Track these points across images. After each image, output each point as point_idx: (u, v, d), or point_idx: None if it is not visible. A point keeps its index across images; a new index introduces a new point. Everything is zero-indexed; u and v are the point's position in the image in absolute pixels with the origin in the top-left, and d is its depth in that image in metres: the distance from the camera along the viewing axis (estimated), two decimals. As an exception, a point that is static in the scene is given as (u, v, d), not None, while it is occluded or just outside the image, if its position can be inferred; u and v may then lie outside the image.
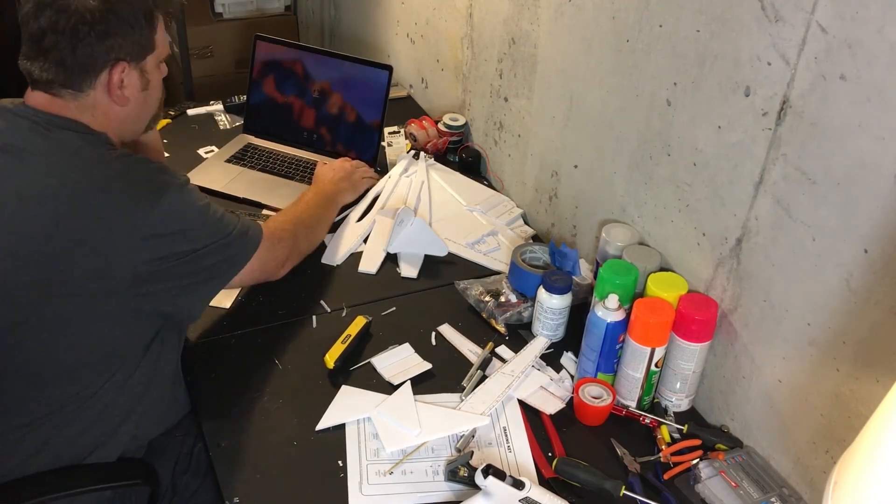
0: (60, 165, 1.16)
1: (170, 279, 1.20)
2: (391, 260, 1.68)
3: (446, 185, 1.92)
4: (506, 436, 1.29)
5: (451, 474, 1.19)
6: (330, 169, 1.78)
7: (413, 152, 1.99)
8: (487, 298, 1.53)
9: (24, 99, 1.22)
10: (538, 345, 1.46)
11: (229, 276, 1.31)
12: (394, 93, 2.24)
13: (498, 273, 1.64)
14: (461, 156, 2.02)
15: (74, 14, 1.16)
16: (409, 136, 2.06)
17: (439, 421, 1.30)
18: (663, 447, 1.28)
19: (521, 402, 1.36)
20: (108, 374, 1.21)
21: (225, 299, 1.53)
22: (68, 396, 1.19)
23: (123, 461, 1.26)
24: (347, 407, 1.32)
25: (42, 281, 1.14)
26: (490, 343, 1.47)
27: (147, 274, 1.17)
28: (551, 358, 1.46)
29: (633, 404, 1.36)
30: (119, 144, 1.27)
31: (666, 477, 1.23)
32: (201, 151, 2.02)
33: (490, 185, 1.97)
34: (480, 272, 1.66)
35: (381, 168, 1.98)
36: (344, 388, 1.35)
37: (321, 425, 1.28)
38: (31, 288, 1.14)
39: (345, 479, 1.20)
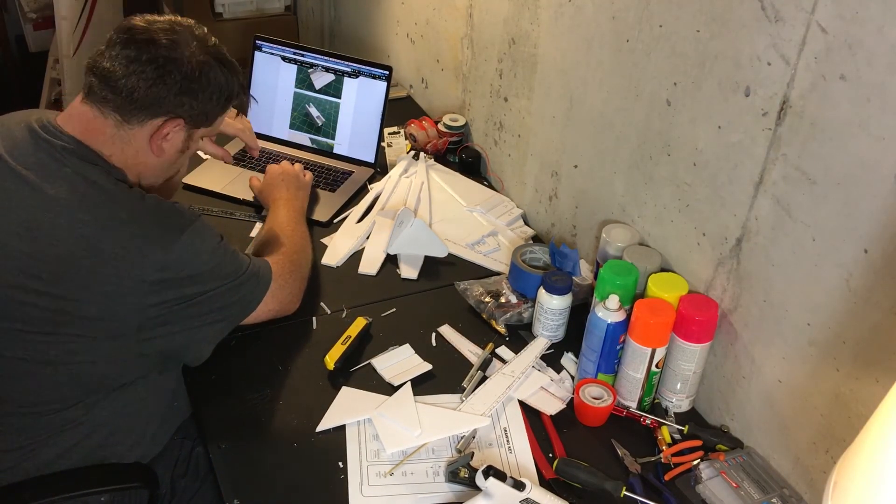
0: (72, 203, 1.13)
1: (177, 322, 1.18)
2: (391, 261, 1.68)
3: (446, 185, 1.92)
4: (506, 437, 1.29)
5: (452, 475, 1.19)
6: (280, 181, 1.69)
7: (413, 153, 1.99)
8: (488, 299, 1.53)
9: (58, 116, 1.21)
10: (538, 345, 1.46)
11: (240, 318, 1.30)
12: (394, 93, 2.24)
13: (498, 274, 1.64)
14: (461, 156, 2.02)
15: (178, 58, 1.18)
16: (408, 136, 2.06)
17: (440, 422, 1.30)
18: (664, 448, 1.28)
19: (521, 403, 1.35)
20: (108, 400, 1.21)
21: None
22: (66, 420, 1.19)
23: (122, 464, 1.26)
24: (348, 408, 1.32)
25: (48, 319, 1.12)
26: (490, 344, 1.47)
27: (154, 318, 1.15)
28: (552, 358, 1.46)
29: (633, 405, 1.36)
30: (134, 183, 1.26)
31: (666, 478, 1.23)
32: (201, 152, 2.02)
33: (490, 186, 1.97)
34: (480, 273, 1.66)
35: (381, 169, 1.98)
36: (344, 389, 1.35)
37: (322, 426, 1.28)
38: (37, 323, 1.13)
39: (345, 480, 1.20)
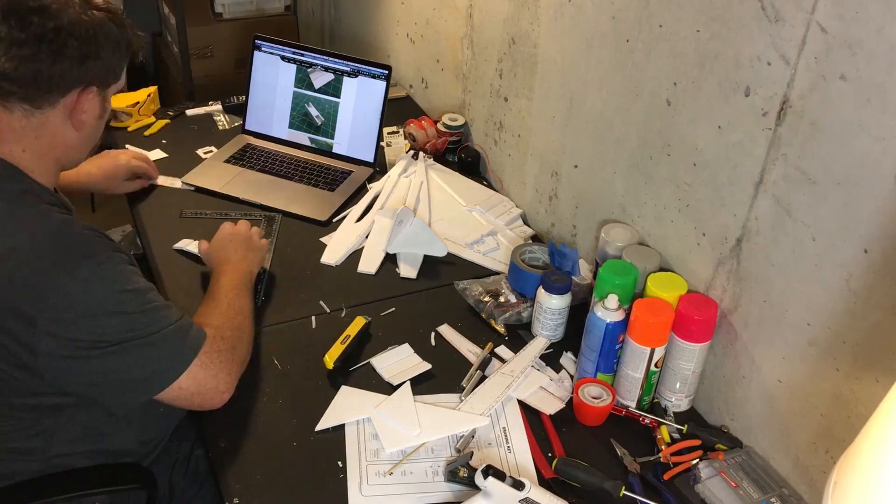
0: None
1: (82, 371, 1.09)
2: (390, 260, 1.68)
3: (445, 185, 1.92)
4: (505, 436, 1.29)
5: (451, 475, 1.19)
6: (228, 242, 1.48)
7: (412, 152, 1.99)
8: (487, 299, 1.53)
9: None
10: (538, 345, 1.46)
11: (147, 390, 1.14)
12: (393, 93, 2.24)
13: (497, 273, 1.64)
14: (461, 156, 2.02)
15: (67, 26, 1.08)
16: (408, 136, 2.06)
17: (439, 421, 1.30)
18: (663, 447, 1.28)
19: (520, 403, 1.35)
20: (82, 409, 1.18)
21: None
22: (58, 425, 1.18)
23: (121, 465, 1.25)
24: (347, 407, 1.32)
25: None
26: (489, 343, 1.47)
27: (48, 359, 1.07)
28: (551, 358, 1.46)
29: (632, 404, 1.36)
30: (54, 176, 1.20)
31: (666, 477, 1.23)
32: (200, 152, 2.02)
33: (490, 186, 1.97)
34: (480, 272, 1.66)
35: (381, 168, 1.98)
36: (343, 388, 1.35)
37: (321, 426, 1.28)
38: None
39: (344, 479, 1.20)
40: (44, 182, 1.17)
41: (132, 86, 1.97)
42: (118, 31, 1.16)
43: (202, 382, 1.17)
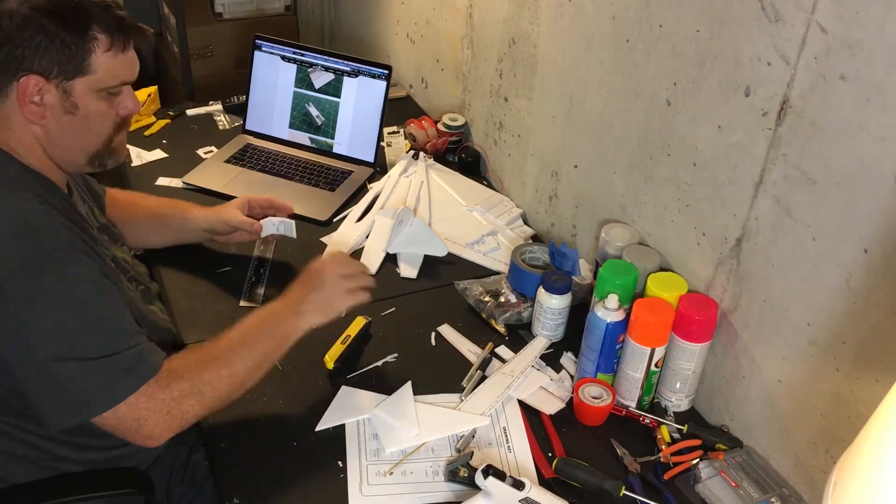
0: None
1: (20, 371, 1.07)
2: (391, 260, 1.68)
3: (446, 185, 1.92)
4: (506, 436, 1.29)
5: (452, 475, 1.19)
6: (305, 280, 1.28)
7: (412, 152, 1.99)
8: (487, 298, 1.53)
9: None
10: (538, 345, 1.46)
11: (75, 413, 1.08)
12: (393, 93, 2.24)
13: (497, 273, 1.64)
14: (461, 156, 2.02)
15: (4, 15, 1.08)
16: (408, 136, 2.06)
17: (439, 421, 1.30)
18: (663, 447, 1.28)
19: (520, 403, 1.35)
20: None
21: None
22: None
23: (118, 469, 1.25)
24: (347, 407, 1.32)
25: None
26: (490, 343, 1.47)
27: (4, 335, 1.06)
28: (551, 358, 1.46)
29: (632, 404, 1.36)
30: (54, 175, 1.19)
31: (666, 477, 1.23)
32: (200, 152, 2.02)
33: (490, 185, 1.97)
34: (480, 272, 1.66)
35: (381, 168, 1.98)
36: (343, 388, 1.35)
37: (321, 426, 1.28)
38: None
39: (345, 479, 1.20)
40: (41, 169, 1.17)
41: (133, 86, 1.96)
42: (59, 17, 1.09)
43: (124, 422, 1.09)
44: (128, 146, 1.99)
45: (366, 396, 1.34)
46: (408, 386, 1.36)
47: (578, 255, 1.56)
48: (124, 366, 1.08)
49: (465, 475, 1.18)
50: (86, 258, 1.11)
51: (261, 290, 1.56)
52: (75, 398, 1.07)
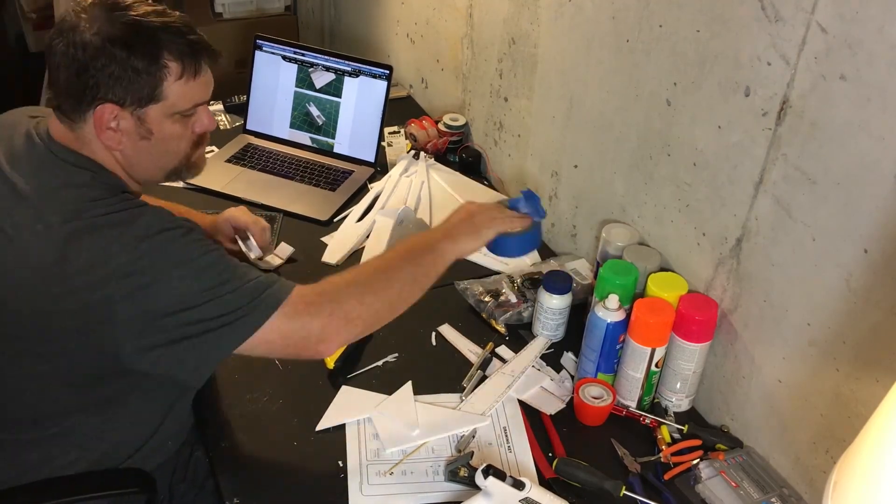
0: (50, 206, 1.09)
1: (149, 335, 1.08)
2: (391, 260, 1.68)
3: (446, 185, 1.92)
4: (506, 436, 1.29)
5: (452, 475, 1.19)
6: (457, 210, 1.35)
7: (413, 152, 1.99)
8: (487, 298, 1.53)
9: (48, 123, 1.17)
10: (538, 345, 1.46)
11: (230, 342, 1.11)
12: (394, 93, 2.24)
13: (498, 273, 1.64)
14: (461, 156, 2.02)
15: (79, 45, 1.10)
16: (409, 136, 2.06)
17: (439, 421, 1.30)
18: (663, 447, 1.28)
19: (521, 403, 1.36)
20: (102, 414, 1.19)
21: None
22: (68, 426, 1.19)
23: (120, 469, 1.25)
24: (347, 407, 1.32)
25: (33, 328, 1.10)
26: (490, 343, 1.47)
27: (123, 325, 1.06)
28: (551, 358, 1.46)
29: (633, 404, 1.36)
30: (133, 187, 1.22)
31: (666, 477, 1.23)
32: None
33: (490, 185, 1.97)
34: (480, 272, 1.66)
35: (382, 168, 1.98)
36: (344, 388, 1.35)
37: (321, 426, 1.28)
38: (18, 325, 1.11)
39: (345, 479, 1.20)
40: (125, 180, 1.20)
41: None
42: (128, 51, 1.11)
43: (288, 333, 1.13)
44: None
45: (366, 396, 1.34)
46: (408, 386, 1.36)
47: (539, 197, 1.40)
48: (256, 291, 1.11)
49: (465, 475, 1.18)
50: (186, 224, 1.14)
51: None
52: (227, 326, 1.09)
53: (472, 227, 1.30)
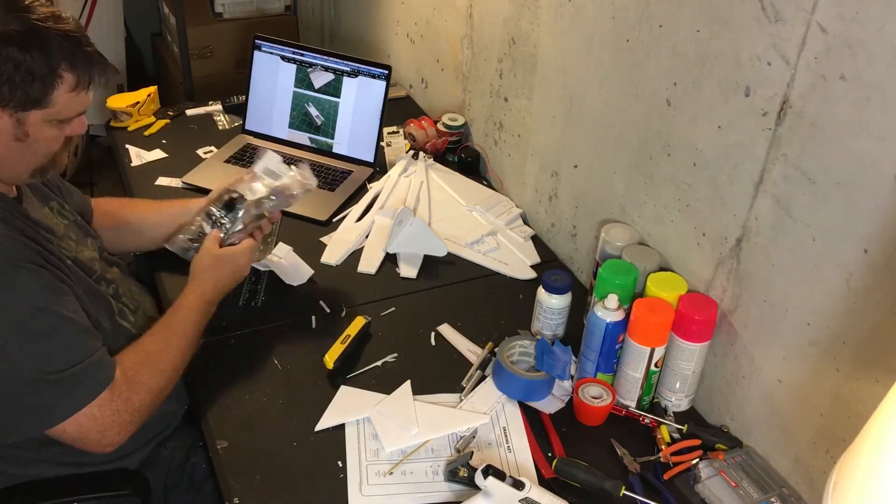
0: None
1: None
2: (390, 260, 1.68)
3: (445, 185, 1.92)
4: (505, 436, 1.29)
5: (451, 475, 1.19)
6: (216, 263, 1.39)
7: (412, 152, 1.99)
8: (196, 243, 1.44)
9: None
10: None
11: (32, 427, 1.10)
12: (393, 93, 2.24)
13: (496, 273, 1.64)
14: (461, 156, 2.02)
15: None
16: (408, 136, 2.06)
17: (438, 420, 1.30)
18: (663, 447, 1.28)
19: (520, 402, 1.35)
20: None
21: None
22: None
23: (114, 471, 1.24)
24: (347, 407, 1.32)
25: None
26: (490, 343, 1.47)
27: None
28: (551, 358, 1.46)
29: (632, 404, 1.36)
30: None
31: (666, 477, 1.23)
32: (200, 152, 2.02)
33: (490, 185, 1.97)
34: (480, 272, 1.66)
35: (381, 168, 1.98)
36: (343, 388, 1.35)
37: (320, 426, 1.28)
38: None
39: (345, 479, 1.20)
40: None
41: (132, 86, 1.97)
42: (28, 55, 1.08)
43: (86, 432, 1.13)
44: (127, 146, 2.00)
45: (365, 396, 1.34)
46: (407, 385, 1.36)
47: (572, 357, 1.38)
48: (81, 377, 1.10)
49: (465, 475, 1.18)
50: (31, 266, 1.10)
51: (260, 287, 1.56)
52: (33, 410, 1.08)
53: (234, 272, 1.41)
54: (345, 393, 1.34)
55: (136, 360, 1.20)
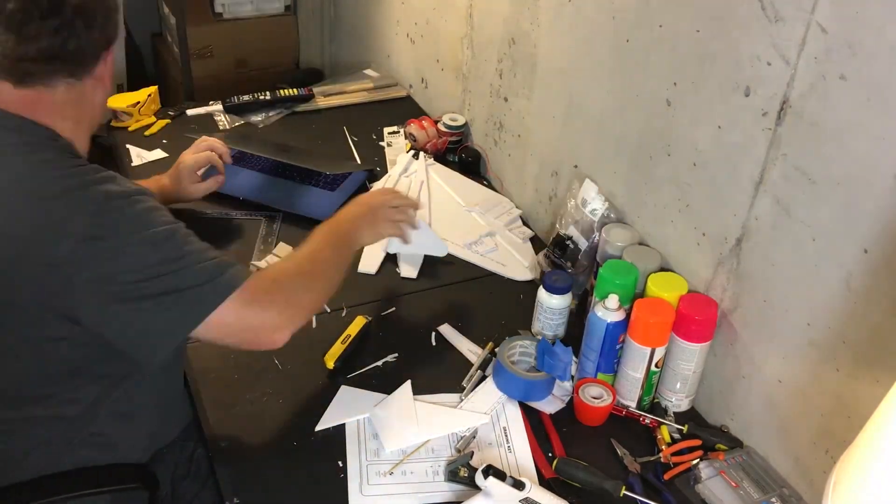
0: (3, 170, 1.09)
1: (107, 297, 1.05)
2: (391, 260, 1.68)
3: (446, 185, 1.92)
4: (506, 436, 1.29)
5: (452, 475, 1.19)
6: (356, 201, 1.43)
7: (412, 152, 1.99)
8: None
9: None
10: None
11: (188, 317, 1.08)
12: (393, 93, 2.24)
13: (495, 274, 1.64)
14: (461, 156, 2.02)
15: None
16: (408, 136, 2.06)
17: (438, 419, 1.30)
18: (663, 447, 1.28)
19: (521, 402, 1.35)
20: (78, 397, 1.17)
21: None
22: (49, 416, 1.17)
23: (122, 465, 1.25)
24: (347, 407, 1.32)
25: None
26: (490, 343, 1.47)
27: (81, 287, 1.05)
28: (551, 358, 1.46)
29: (633, 404, 1.36)
30: (87, 142, 1.20)
31: (666, 477, 1.23)
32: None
33: (490, 186, 1.97)
34: (480, 272, 1.66)
35: (381, 168, 1.98)
36: (343, 388, 1.35)
37: (321, 426, 1.28)
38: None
39: (345, 479, 1.20)
40: (80, 150, 1.18)
41: (132, 86, 1.97)
42: None
43: (245, 319, 1.11)
44: (128, 146, 2.00)
45: (366, 396, 1.34)
46: (407, 385, 1.36)
47: (573, 358, 1.38)
48: (215, 271, 1.09)
49: (465, 475, 1.18)
50: (144, 195, 1.13)
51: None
52: (186, 301, 1.07)
53: (373, 228, 1.40)
54: (345, 393, 1.35)
55: (287, 264, 1.24)
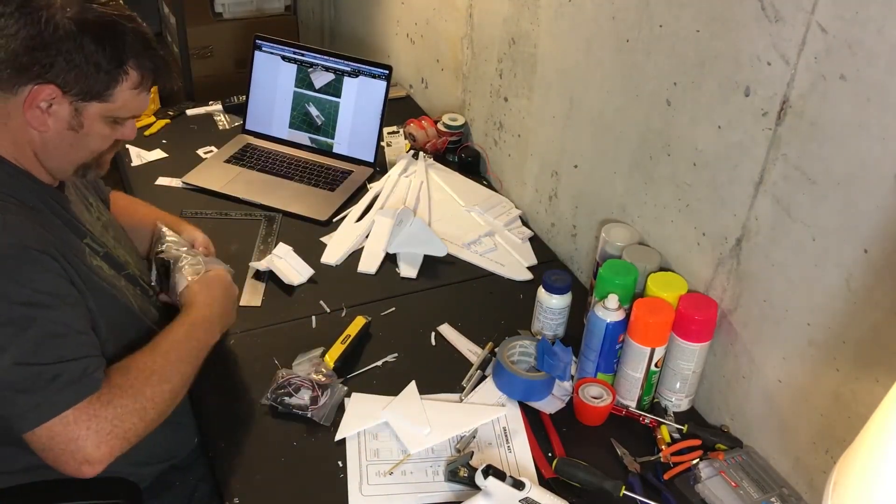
0: None
1: None
2: (390, 260, 1.68)
3: (445, 185, 1.92)
4: (506, 436, 1.29)
5: (452, 475, 1.19)
6: (221, 293, 1.33)
7: (412, 152, 1.99)
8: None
9: None
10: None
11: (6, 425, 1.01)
12: (393, 93, 2.24)
13: (493, 274, 1.64)
14: (461, 156, 2.02)
15: (48, 22, 1.05)
16: (408, 136, 2.06)
17: (448, 418, 1.30)
18: (663, 447, 1.28)
19: (520, 403, 1.35)
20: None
21: (254, 297, 1.55)
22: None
23: (106, 478, 1.16)
24: (361, 414, 1.30)
25: None
26: (490, 343, 1.47)
27: None
28: (551, 358, 1.46)
29: (632, 404, 1.36)
30: (44, 177, 1.16)
31: (666, 477, 1.23)
32: (200, 152, 2.02)
33: (490, 186, 1.97)
34: (480, 272, 1.66)
35: (381, 168, 1.98)
36: (354, 395, 1.34)
37: (339, 435, 1.27)
38: None
39: (345, 479, 1.20)
40: (29, 168, 1.15)
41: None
42: (101, 42, 1.09)
43: (59, 442, 1.01)
44: (128, 146, 2.00)
45: (374, 400, 1.33)
46: (412, 385, 1.35)
47: (573, 358, 1.38)
48: (65, 377, 1.02)
49: (465, 475, 1.18)
50: (51, 262, 1.07)
51: (261, 287, 1.57)
52: (6, 407, 1.01)
53: (228, 315, 1.34)
54: (357, 400, 1.33)
55: (129, 375, 1.10)
